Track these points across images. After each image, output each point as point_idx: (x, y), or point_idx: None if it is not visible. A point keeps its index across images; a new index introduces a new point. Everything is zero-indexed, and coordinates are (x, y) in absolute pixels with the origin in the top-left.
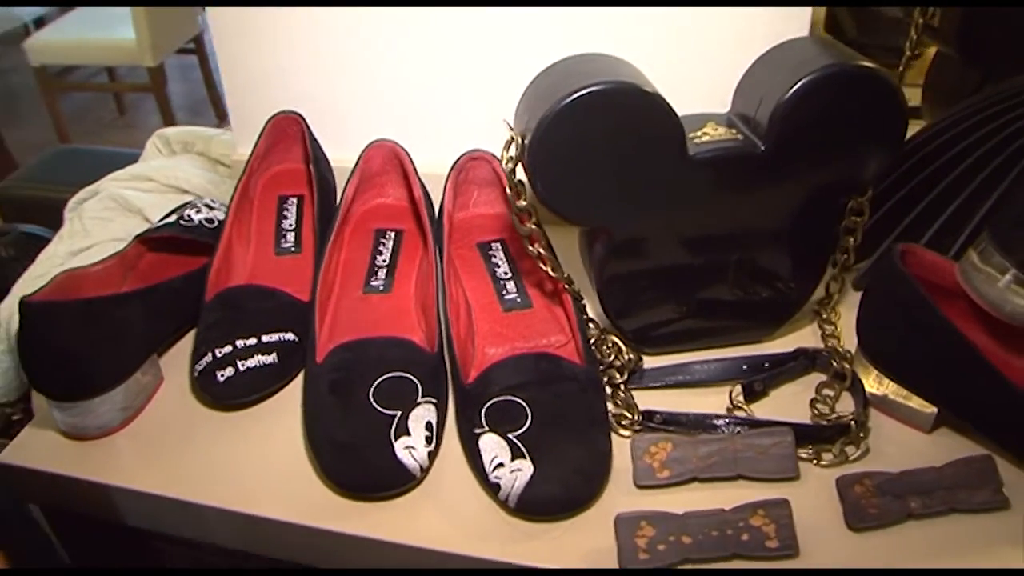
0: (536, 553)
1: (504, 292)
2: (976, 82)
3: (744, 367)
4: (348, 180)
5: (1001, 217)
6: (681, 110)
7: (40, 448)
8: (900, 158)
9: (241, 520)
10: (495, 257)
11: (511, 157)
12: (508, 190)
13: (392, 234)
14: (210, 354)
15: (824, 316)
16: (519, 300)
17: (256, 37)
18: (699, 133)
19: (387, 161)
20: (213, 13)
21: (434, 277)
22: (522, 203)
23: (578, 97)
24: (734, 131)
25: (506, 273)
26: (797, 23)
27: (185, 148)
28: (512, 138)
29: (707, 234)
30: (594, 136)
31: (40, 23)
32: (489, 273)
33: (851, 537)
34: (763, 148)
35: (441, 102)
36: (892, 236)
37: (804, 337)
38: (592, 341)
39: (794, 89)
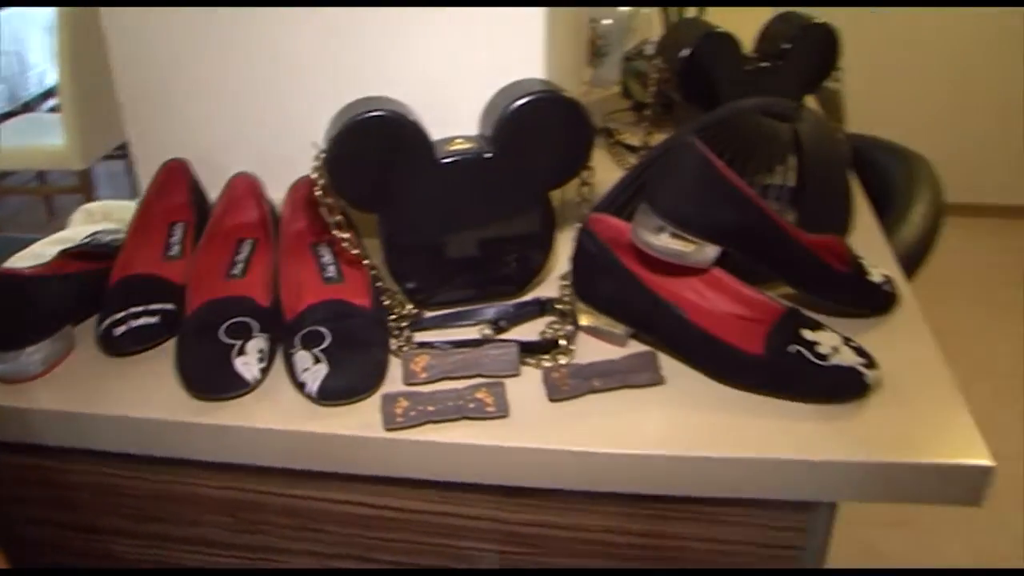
0: (326, 425)
1: (325, 272)
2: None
3: (495, 311)
4: (217, 201)
5: (653, 187)
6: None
7: None
8: (639, 167)
9: (130, 422)
10: (321, 250)
11: (317, 166)
12: (318, 190)
13: (249, 241)
14: (110, 318)
15: (566, 282)
16: (335, 277)
17: (155, 99)
18: (450, 146)
19: (247, 188)
20: (120, 80)
21: (275, 266)
22: (328, 200)
23: (356, 120)
24: (474, 144)
25: (328, 261)
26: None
27: (105, 217)
28: (319, 153)
29: (460, 221)
30: (368, 147)
31: None
32: (315, 261)
33: (550, 406)
34: (490, 154)
35: (289, 144)
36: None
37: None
38: (386, 302)
39: (509, 109)
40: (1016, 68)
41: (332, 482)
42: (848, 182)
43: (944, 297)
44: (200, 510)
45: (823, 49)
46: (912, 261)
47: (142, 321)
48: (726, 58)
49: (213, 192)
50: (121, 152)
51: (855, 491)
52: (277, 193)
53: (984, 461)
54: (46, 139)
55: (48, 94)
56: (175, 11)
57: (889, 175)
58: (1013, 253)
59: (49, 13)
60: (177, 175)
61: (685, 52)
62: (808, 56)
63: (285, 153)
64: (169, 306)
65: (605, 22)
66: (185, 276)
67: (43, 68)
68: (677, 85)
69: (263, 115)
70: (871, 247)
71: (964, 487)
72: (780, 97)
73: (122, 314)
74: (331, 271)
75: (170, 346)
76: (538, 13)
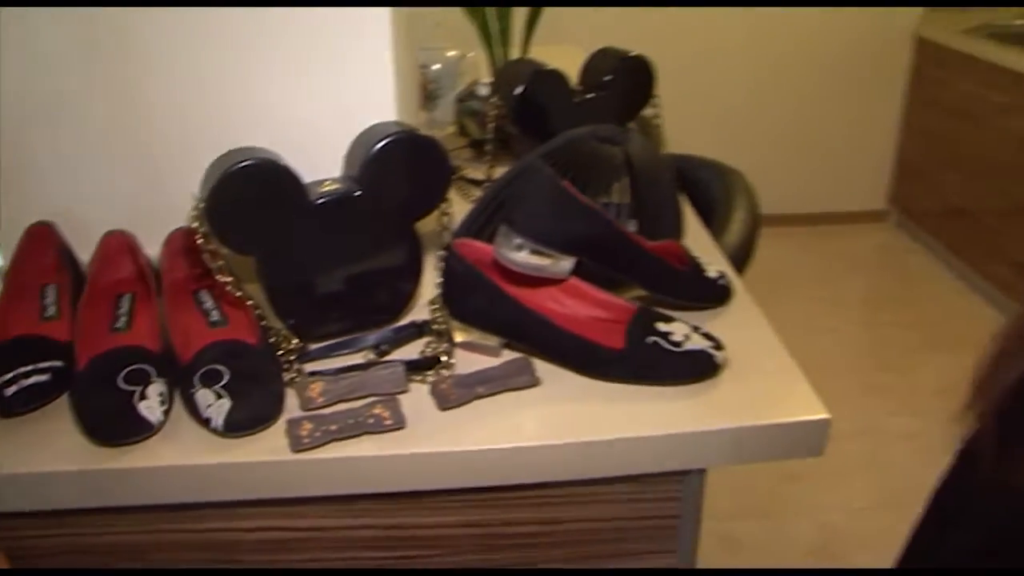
0: (236, 455)
1: (210, 317)
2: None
3: (376, 337)
4: (91, 262)
5: (511, 209)
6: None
7: None
8: (488, 195)
9: (34, 479)
10: (203, 297)
11: (197, 216)
12: (199, 238)
13: (128, 295)
14: None
15: (436, 305)
16: (220, 320)
17: (12, 163)
18: (321, 188)
19: (119, 245)
20: None
21: (159, 316)
22: (210, 247)
23: (233, 170)
24: (342, 184)
25: (211, 306)
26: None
27: None
28: (197, 203)
29: (335, 257)
30: (246, 195)
31: None
32: (199, 307)
33: (441, 415)
34: (359, 192)
35: (157, 198)
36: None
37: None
38: (272, 339)
39: (373, 150)
40: (816, 90)
41: (242, 510)
42: (676, 192)
43: (767, 298)
44: (111, 560)
45: (640, 79)
46: (736, 263)
47: (33, 380)
48: (556, 92)
49: (88, 253)
50: None
51: (719, 456)
52: (152, 248)
53: (822, 415)
54: None
55: None
56: (28, 74)
57: (710, 189)
58: (827, 257)
59: None
60: (42, 239)
61: (519, 89)
62: (628, 86)
63: (154, 207)
64: (58, 363)
65: (435, 67)
66: (68, 334)
67: None
68: (513, 120)
69: (128, 172)
70: (702, 250)
71: (808, 440)
72: (607, 124)
73: (11, 375)
74: (215, 315)
75: (58, 403)
76: (387, 60)
